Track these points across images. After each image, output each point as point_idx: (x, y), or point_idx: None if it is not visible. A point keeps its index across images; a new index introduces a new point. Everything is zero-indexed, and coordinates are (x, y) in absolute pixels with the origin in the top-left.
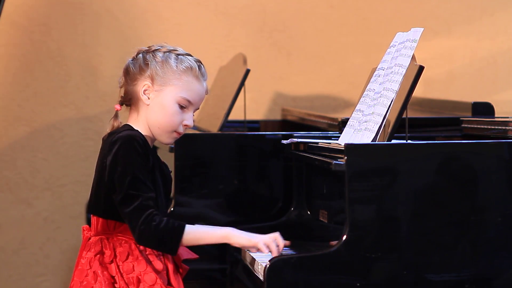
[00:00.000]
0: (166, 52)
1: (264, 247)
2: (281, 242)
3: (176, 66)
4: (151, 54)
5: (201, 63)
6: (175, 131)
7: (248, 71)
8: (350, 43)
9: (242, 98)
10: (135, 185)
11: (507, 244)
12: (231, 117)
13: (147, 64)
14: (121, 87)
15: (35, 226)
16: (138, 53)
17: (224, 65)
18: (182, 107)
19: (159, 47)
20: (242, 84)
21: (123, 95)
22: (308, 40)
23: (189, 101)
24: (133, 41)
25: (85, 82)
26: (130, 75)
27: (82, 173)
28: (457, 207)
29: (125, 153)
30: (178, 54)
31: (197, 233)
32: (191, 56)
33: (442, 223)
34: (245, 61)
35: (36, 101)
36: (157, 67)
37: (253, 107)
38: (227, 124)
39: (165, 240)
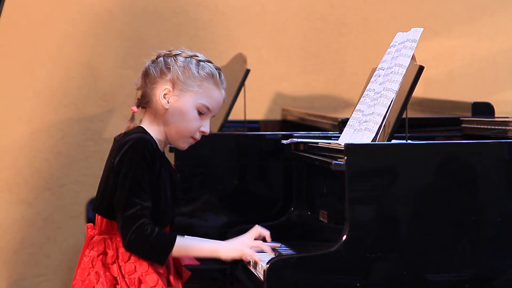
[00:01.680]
0: (188, 57)
1: (253, 253)
2: (265, 232)
3: (198, 72)
4: (172, 58)
5: (221, 71)
6: (191, 137)
7: (248, 71)
8: (350, 43)
9: (242, 98)
10: (135, 191)
11: (507, 244)
12: (231, 117)
13: (168, 68)
14: (138, 89)
15: (35, 226)
16: (158, 57)
17: (224, 65)
18: (200, 114)
19: (180, 52)
20: (242, 84)
21: (140, 97)
22: (308, 40)
23: (208, 108)
24: (133, 41)
25: (85, 82)
26: (150, 77)
27: (82, 173)
28: (457, 207)
29: (131, 156)
30: (200, 60)
31: (187, 246)
32: (211, 62)
33: (442, 223)
34: (245, 61)
35: (36, 101)
36: (179, 72)
37: (253, 107)
38: (227, 124)
39: (154, 251)
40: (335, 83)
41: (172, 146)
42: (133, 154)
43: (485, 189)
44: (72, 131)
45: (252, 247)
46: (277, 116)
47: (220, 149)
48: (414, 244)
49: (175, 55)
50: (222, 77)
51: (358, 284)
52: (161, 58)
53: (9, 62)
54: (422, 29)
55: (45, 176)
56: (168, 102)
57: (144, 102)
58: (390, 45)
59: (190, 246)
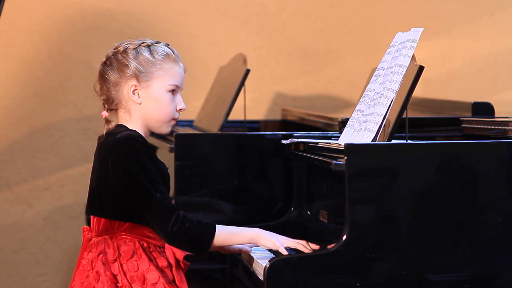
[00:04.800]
0: (137, 46)
1: (285, 252)
2: (307, 246)
3: (153, 57)
4: (123, 54)
5: (169, 44)
6: (172, 119)
7: (248, 71)
8: (350, 43)
9: (242, 98)
10: (153, 187)
11: (507, 244)
12: (231, 117)
13: (126, 65)
14: (100, 96)
15: (35, 226)
16: (107, 57)
17: (224, 65)
18: (172, 94)
19: (127, 45)
20: (242, 84)
21: (106, 102)
22: (308, 40)
23: (177, 86)
24: None
25: (85, 82)
26: (110, 81)
27: (82, 173)
28: (457, 207)
29: (130, 157)
30: (149, 45)
31: (227, 234)
32: (160, 42)
33: (442, 223)
34: (245, 61)
35: (36, 101)
36: (137, 64)
37: (253, 107)
38: (227, 124)
39: (197, 242)
40: (335, 83)
41: (172, 146)
42: (131, 154)
43: (485, 189)
44: (72, 131)
45: (287, 245)
46: (277, 116)
47: (220, 149)
48: (414, 244)
49: (124, 50)
50: (175, 51)
51: (358, 284)
52: (112, 58)
53: (9, 62)
54: (422, 29)
55: (45, 176)
56: (139, 97)
57: (113, 105)
58: (390, 45)
59: (231, 234)
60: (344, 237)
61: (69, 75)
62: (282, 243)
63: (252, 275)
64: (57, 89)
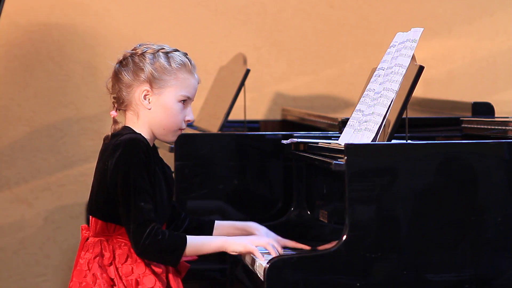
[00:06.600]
0: (155, 52)
1: (255, 249)
2: (277, 245)
3: (170, 65)
4: (141, 57)
5: (187, 54)
6: (179, 129)
7: (248, 71)
8: (350, 43)
9: (242, 98)
10: (140, 195)
11: (507, 244)
12: (231, 117)
13: (141, 69)
14: (111, 94)
15: (35, 226)
16: (124, 57)
17: (224, 65)
18: (182, 104)
19: (145, 48)
20: (242, 84)
21: (116, 101)
22: (308, 40)
23: (188, 97)
24: (133, 41)
25: (85, 82)
26: (124, 82)
27: (82, 173)
28: (457, 207)
29: (127, 159)
30: (167, 52)
31: (197, 245)
32: (178, 50)
33: (442, 223)
34: (245, 61)
35: (36, 101)
36: (152, 70)
37: (253, 107)
38: (227, 124)
39: (168, 254)
40: (335, 83)
41: (172, 146)
42: (129, 157)
43: (485, 189)
44: (72, 131)
45: (257, 244)
46: (277, 116)
47: (220, 149)
48: (414, 244)
49: (142, 53)
50: (193, 62)
51: (358, 284)
52: (129, 59)
53: (9, 62)
54: (422, 29)
55: (45, 176)
56: (149, 102)
57: (123, 105)
58: (390, 45)
59: (201, 244)
60: (344, 237)
61: (69, 75)
62: (252, 243)
63: (252, 275)
64: (57, 89)
